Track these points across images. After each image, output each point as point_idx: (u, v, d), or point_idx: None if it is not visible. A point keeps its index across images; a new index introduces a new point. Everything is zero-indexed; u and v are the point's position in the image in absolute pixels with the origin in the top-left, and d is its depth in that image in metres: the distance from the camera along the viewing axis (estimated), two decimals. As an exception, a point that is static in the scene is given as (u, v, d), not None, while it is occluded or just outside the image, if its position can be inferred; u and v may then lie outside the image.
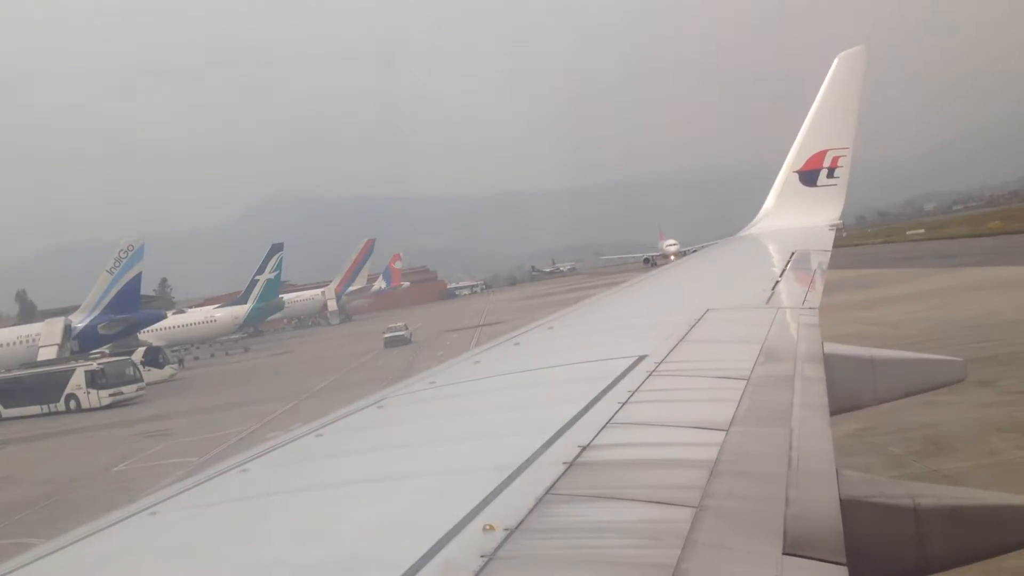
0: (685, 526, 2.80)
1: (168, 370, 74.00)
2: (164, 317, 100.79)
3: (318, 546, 3.05)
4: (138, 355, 71.01)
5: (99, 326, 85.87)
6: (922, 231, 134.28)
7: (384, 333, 73.88)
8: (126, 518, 3.76)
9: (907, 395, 7.59)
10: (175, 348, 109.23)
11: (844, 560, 2.74)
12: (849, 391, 6.50)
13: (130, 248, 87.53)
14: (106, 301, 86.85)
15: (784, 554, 2.70)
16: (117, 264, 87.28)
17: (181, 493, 4.13)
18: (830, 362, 5.95)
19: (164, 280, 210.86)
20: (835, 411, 4.96)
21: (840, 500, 3.24)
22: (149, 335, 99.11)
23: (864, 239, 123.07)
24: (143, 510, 3.81)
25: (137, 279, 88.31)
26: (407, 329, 74.01)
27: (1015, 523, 3.75)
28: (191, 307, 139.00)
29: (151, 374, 69.00)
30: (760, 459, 3.60)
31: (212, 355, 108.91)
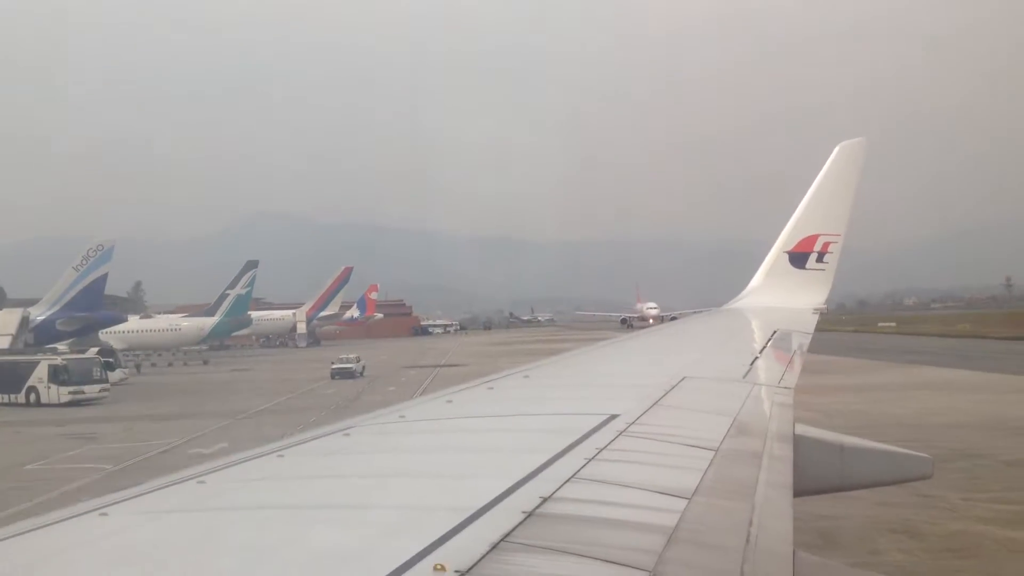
0: None
1: (118, 373, 71.23)
2: (124, 320, 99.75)
3: (266, 568, 3.01)
4: (90, 355, 68.51)
5: (58, 322, 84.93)
6: (894, 324, 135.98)
7: (333, 364, 71.89)
8: (75, 516, 3.71)
9: (871, 486, 7.61)
10: (136, 353, 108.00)
11: None
12: (815, 475, 6.52)
13: (99, 248, 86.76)
14: (68, 297, 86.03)
15: None
16: (84, 262, 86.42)
17: (135, 497, 4.07)
18: (800, 443, 5.97)
19: (139, 283, 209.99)
20: (799, 493, 4.96)
21: None
22: (111, 337, 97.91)
23: (836, 325, 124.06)
24: (94, 510, 3.75)
25: (102, 279, 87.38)
26: (359, 362, 72.44)
27: None
28: (161, 313, 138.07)
29: None
30: (719, 531, 3.59)
31: (170, 364, 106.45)
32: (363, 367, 72.43)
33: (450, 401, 7.32)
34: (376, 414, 6.76)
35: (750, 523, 3.69)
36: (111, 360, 70.22)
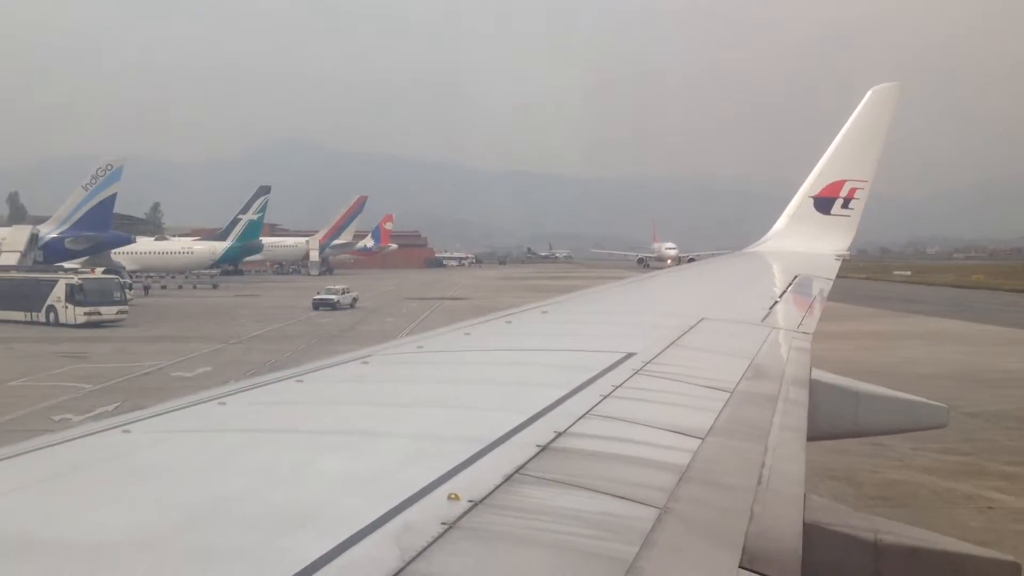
0: (647, 525, 2.81)
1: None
2: (132, 241, 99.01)
3: (281, 489, 3.06)
4: (107, 275, 66.13)
5: (66, 240, 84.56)
6: (908, 273, 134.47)
7: (316, 294, 69.37)
8: (99, 432, 3.78)
9: (886, 432, 7.61)
10: (148, 275, 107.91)
11: None
12: (830, 420, 6.53)
13: (109, 167, 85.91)
14: (76, 216, 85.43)
15: (741, 567, 2.71)
16: (93, 181, 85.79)
17: (156, 416, 4.14)
18: (816, 388, 5.97)
19: (156, 205, 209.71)
20: (813, 437, 4.97)
21: (803, 523, 3.25)
22: (123, 258, 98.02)
23: (850, 272, 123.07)
24: (116, 427, 3.82)
25: (111, 199, 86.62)
26: (346, 294, 69.18)
27: (973, 573, 3.76)
28: (178, 236, 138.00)
29: None
30: (731, 471, 3.61)
31: (180, 287, 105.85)
32: (354, 299, 69.98)
33: (468, 334, 7.34)
34: (394, 343, 6.81)
35: (762, 464, 3.71)
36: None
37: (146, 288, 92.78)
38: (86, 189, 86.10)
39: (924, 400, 7.70)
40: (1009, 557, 3.82)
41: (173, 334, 50.49)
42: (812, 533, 3.38)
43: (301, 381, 5.09)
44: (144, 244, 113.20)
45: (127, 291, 66.30)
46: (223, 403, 4.43)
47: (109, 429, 3.80)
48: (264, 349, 42.28)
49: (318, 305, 67.14)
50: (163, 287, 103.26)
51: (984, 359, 37.63)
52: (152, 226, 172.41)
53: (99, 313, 55.34)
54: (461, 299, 79.92)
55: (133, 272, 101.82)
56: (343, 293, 69.47)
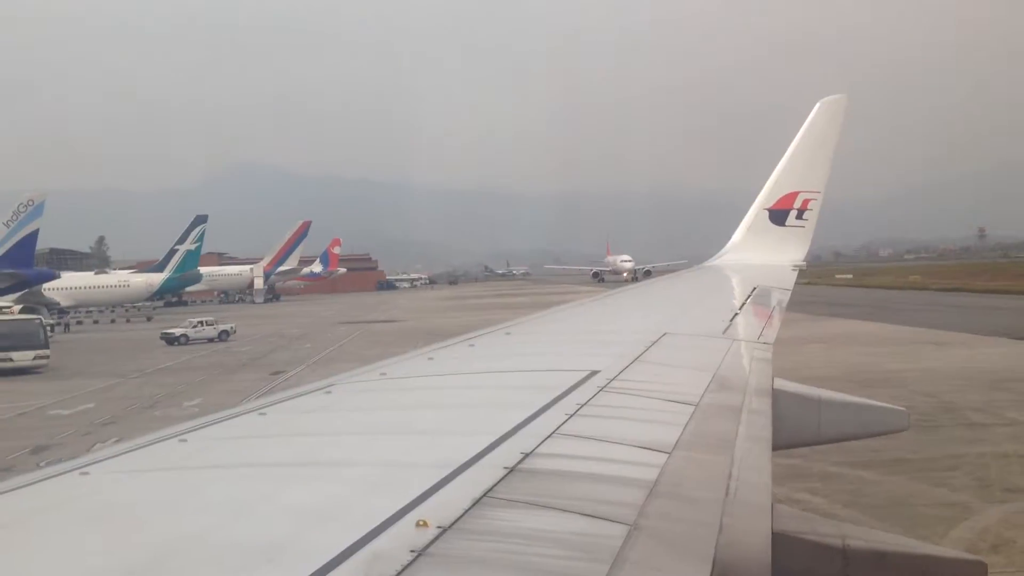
0: (617, 542, 2.81)
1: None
2: (56, 277, 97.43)
3: (246, 525, 3.01)
4: (23, 315, 63.00)
5: None
6: (850, 276, 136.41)
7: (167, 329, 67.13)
8: (57, 475, 3.70)
9: (849, 439, 7.69)
10: (81, 310, 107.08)
11: None
12: (794, 428, 6.59)
13: (30, 203, 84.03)
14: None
15: None
16: (15, 217, 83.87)
17: (116, 456, 4.06)
18: (778, 398, 6.03)
19: (101, 238, 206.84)
20: (778, 447, 5.02)
21: (772, 532, 3.28)
22: (58, 294, 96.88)
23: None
24: (75, 469, 3.74)
25: (34, 235, 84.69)
26: (207, 327, 66.16)
27: (940, 574, 3.82)
28: (124, 268, 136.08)
29: None
30: (698, 484, 3.63)
31: (112, 320, 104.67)
32: (222, 331, 66.36)
33: (431, 358, 7.32)
34: (357, 371, 6.76)
35: (729, 476, 3.74)
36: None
37: (66, 325, 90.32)
38: (7, 226, 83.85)
39: (885, 405, 7.81)
40: (975, 557, 3.88)
41: (74, 369, 49.01)
42: (781, 542, 3.42)
43: (264, 414, 5.03)
44: (80, 278, 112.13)
45: (48, 332, 57.75)
46: (184, 440, 4.36)
47: (67, 472, 3.72)
48: (161, 382, 41.46)
49: (164, 338, 64.43)
50: (95, 321, 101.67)
51: (875, 359, 38.57)
52: (97, 259, 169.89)
53: (11, 360, 48.85)
54: (393, 321, 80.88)
55: (68, 308, 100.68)
56: (204, 326, 66.44)
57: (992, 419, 25.19)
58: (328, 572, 2.45)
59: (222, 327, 67.18)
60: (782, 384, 6.72)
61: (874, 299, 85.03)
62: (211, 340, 64.94)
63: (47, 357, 50.68)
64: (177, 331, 64.93)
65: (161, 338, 64.99)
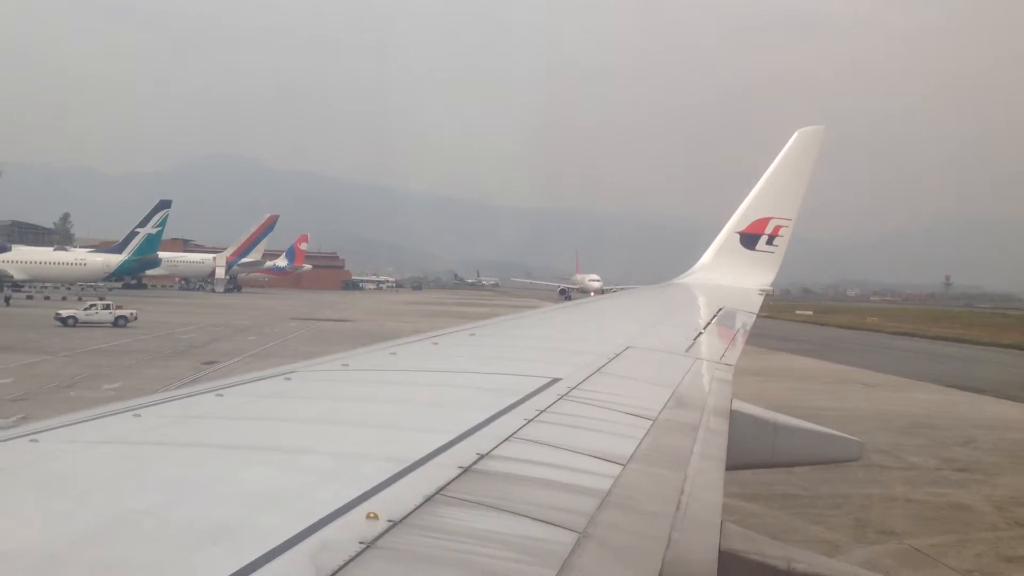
0: (566, 549, 2.81)
1: None
2: (7, 250, 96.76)
3: (194, 504, 2.98)
4: None
5: None
6: (810, 313, 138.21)
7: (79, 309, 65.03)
8: (5, 440, 3.65)
9: (801, 463, 7.76)
10: (42, 285, 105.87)
11: None
12: (749, 450, 6.64)
13: None
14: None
15: None
16: None
17: (67, 426, 4.00)
18: (735, 419, 6.08)
19: (67, 215, 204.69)
20: (732, 467, 5.06)
21: (719, 550, 3.30)
22: (12, 267, 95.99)
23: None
24: (24, 435, 3.69)
25: None
26: (104, 310, 63.94)
27: None
28: (87, 247, 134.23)
29: None
30: (650, 498, 3.64)
31: (64, 298, 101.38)
32: (121, 316, 63.93)
33: (394, 353, 7.29)
34: (319, 360, 6.72)
35: (681, 492, 3.76)
36: None
37: (7, 299, 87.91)
38: None
39: (840, 434, 7.89)
40: None
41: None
42: (727, 560, 3.44)
43: (221, 395, 4.98)
44: (36, 253, 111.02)
45: None
46: (138, 415, 4.32)
47: (17, 437, 3.66)
48: (86, 363, 40.45)
49: (63, 320, 62.70)
50: (47, 298, 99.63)
51: (803, 396, 38.96)
52: (60, 236, 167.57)
53: None
54: (347, 321, 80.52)
55: (22, 282, 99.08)
56: (100, 309, 64.52)
57: (893, 462, 25.56)
58: (274, 558, 2.44)
59: (120, 312, 65.12)
60: (740, 406, 6.77)
61: (825, 336, 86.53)
62: (105, 324, 62.40)
63: None
64: (66, 312, 63.81)
65: (55, 318, 63.56)
